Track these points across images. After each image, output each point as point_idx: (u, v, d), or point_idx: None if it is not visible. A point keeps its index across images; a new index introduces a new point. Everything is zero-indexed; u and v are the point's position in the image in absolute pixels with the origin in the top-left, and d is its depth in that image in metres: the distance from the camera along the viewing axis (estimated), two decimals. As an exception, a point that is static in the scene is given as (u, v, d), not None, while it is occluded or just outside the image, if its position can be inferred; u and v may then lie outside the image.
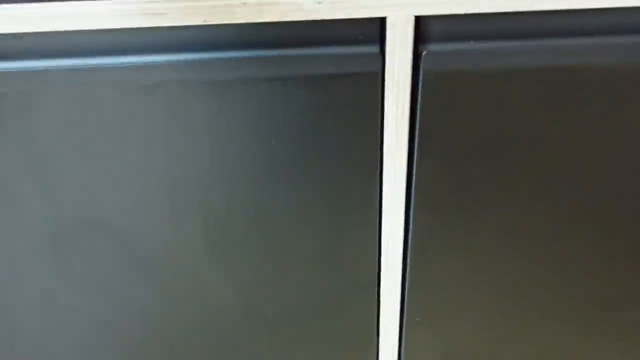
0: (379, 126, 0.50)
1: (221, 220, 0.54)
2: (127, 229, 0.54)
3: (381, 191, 0.53)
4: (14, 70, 0.46)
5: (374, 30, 0.47)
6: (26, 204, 0.52)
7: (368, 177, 0.52)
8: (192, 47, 0.46)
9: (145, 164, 0.51)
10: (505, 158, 0.52)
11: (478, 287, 0.60)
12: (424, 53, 0.46)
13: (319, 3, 0.43)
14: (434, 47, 0.46)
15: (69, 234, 0.54)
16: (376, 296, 0.60)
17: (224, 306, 0.60)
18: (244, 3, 0.43)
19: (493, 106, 0.49)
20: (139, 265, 0.56)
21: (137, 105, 0.48)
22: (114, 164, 0.50)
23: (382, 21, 0.46)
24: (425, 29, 0.46)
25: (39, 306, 0.59)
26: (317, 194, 0.53)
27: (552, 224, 0.56)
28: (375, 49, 0.47)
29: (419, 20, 0.45)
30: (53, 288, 0.57)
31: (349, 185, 0.53)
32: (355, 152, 0.51)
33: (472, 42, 0.47)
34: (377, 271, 0.58)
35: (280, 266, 0.57)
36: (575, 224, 0.56)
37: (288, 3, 0.43)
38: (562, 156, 0.52)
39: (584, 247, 0.58)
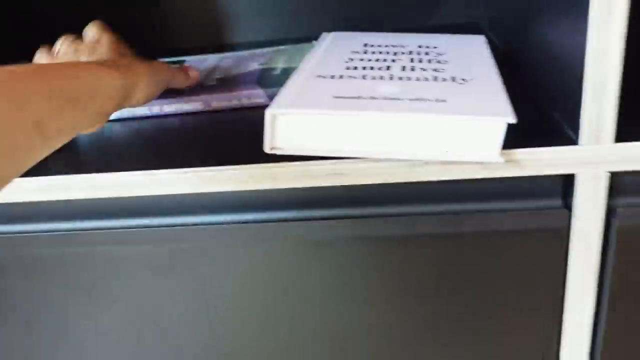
0: (562, 282, 0.46)
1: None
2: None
3: (559, 349, 0.49)
4: (187, 224, 0.46)
5: (558, 184, 0.44)
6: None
7: (545, 337, 0.48)
8: (368, 203, 0.45)
9: (319, 320, 0.49)
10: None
11: None
12: (618, 209, 0.43)
13: (507, 161, 0.41)
14: (628, 201, 0.43)
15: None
16: None
17: None
18: (426, 163, 0.42)
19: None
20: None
21: (315, 259, 0.47)
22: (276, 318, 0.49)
23: (568, 177, 0.43)
24: (618, 184, 0.43)
25: None
26: (489, 348, 0.49)
27: None
28: (558, 202, 0.44)
29: (612, 176, 0.42)
30: None
31: (524, 343, 0.48)
32: (532, 308, 0.47)
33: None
34: None
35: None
36: None
37: (471, 161, 0.41)
38: None
39: None
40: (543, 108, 0.48)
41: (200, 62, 0.66)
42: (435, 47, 0.56)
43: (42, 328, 0.53)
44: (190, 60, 0.68)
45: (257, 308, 0.50)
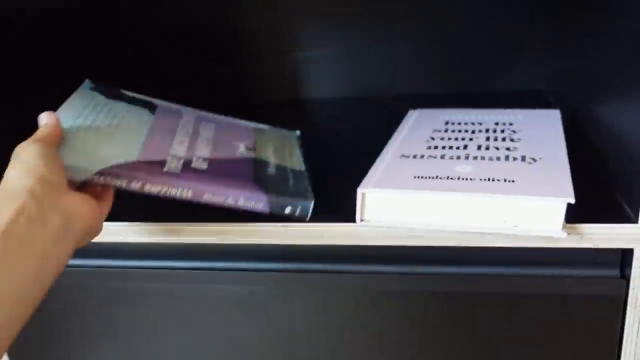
0: (617, 347, 0.50)
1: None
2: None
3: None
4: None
5: (617, 256, 0.48)
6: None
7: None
8: (438, 262, 0.52)
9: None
10: None
11: None
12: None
13: (569, 235, 0.47)
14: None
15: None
16: None
17: None
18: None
19: None
20: None
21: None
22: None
23: (627, 250, 0.48)
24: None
25: None
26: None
27: None
28: (616, 272, 0.49)
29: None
30: None
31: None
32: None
33: None
34: None
35: None
36: None
37: (536, 236, 0.47)
38: None
39: None
40: (606, 184, 0.52)
41: (173, 114, 0.61)
42: (511, 124, 0.63)
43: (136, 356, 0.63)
44: (161, 105, 0.61)
45: (334, 347, 0.57)
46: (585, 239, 0.47)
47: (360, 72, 0.85)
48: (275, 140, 0.64)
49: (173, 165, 0.51)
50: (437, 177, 0.50)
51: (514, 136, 0.59)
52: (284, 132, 0.68)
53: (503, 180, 0.49)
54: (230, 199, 0.51)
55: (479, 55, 0.81)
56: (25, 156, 0.45)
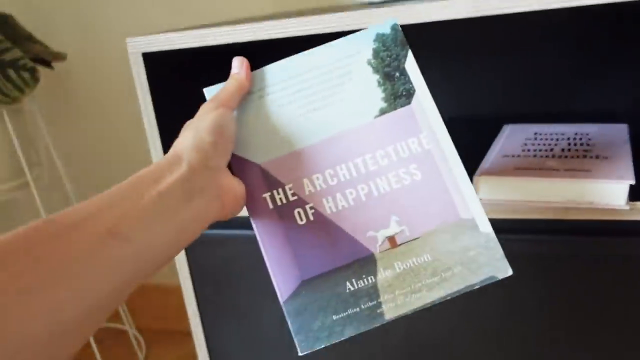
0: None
1: None
2: None
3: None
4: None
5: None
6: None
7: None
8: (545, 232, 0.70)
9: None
10: None
11: None
12: None
13: (631, 209, 0.65)
14: None
15: None
16: None
17: None
18: (579, 208, 0.66)
19: None
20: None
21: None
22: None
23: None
24: None
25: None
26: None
27: None
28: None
29: None
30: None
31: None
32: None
33: None
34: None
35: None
36: None
37: (607, 208, 0.65)
38: None
39: None
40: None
41: None
42: (587, 134, 0.81)
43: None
44: None
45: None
46: (643, 212, 0.65)
47: (457, 95, 1.05)
48: None
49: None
50: (532, 168, 0.70)
51: (590, 142, 0.78)
52: None
53: (582, 170, 0.67)
54: None
55: (561, 80, 1.00)
56: (202, 124, 0.48)
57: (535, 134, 0.84)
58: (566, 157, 0.72)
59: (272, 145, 0.53)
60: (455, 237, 0.50)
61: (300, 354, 0.48)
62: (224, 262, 0.83)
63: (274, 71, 0.54)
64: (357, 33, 0.54)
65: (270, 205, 0.52)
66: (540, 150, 0.76)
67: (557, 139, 0.80)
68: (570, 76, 0.98)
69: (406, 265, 0.50)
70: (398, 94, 0.53)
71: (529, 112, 1.01)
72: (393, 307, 0.49)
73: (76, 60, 1.39)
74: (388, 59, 0.54)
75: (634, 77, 0.90)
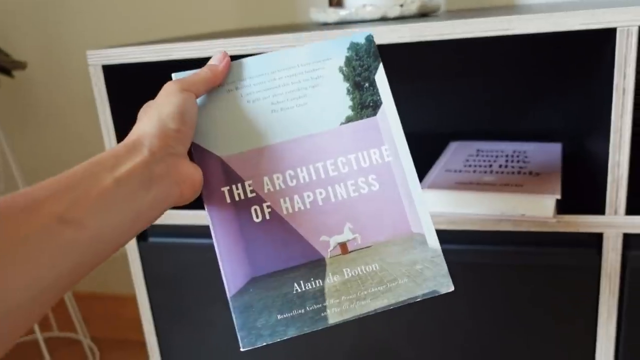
0: (595, 305, 0.73)
1: None
2: None
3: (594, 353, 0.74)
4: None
5: (593, 238, 0.72)
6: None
7: (582, 345, 0.74)
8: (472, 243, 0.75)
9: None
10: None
11: None
12: (630, 255, 0.70)
13: (558, 222, 0.70)
14: (637, 252, 0.70)
15: None
16: None
17: None
18: (509, 220, 0.71)
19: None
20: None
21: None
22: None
23: (599, 235, 0.71)
24: (631, 242, 0.70)
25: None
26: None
27: None
28: (593, 251, 0.72)
29: (626, 236, 0.70)
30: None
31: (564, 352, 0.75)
32: (571, 324, 0.74)
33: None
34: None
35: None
36: None
37: (535, 220, 0.70)
38: None
39: None
40: (587, 189, 0.76)
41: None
42: (524, 152, 0.87)
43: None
44: None
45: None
46: (570, 225, 0.70)
47: (409, 113, 1.11)
48: None
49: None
50: (471, 183, 0.75)
51: (525, 159, 0.83)
52: None
53: (515, 185, 0.73)
54: None
55: (506, 102, 1.06)
56: (166, 109, 0.47)
57: (478, 150, 0.89)
58: (502, 172, 0.78)
59: (235, 140, 0.53)
60: (404, 250, 0.52)
61: (242, 349, 0.49)
62: (179, 271, 0.86)
63: (246, 66, 0.54)
64: (332, 39, 0.55)
65: (228, 200, 0.52)
66: (480, 166, 0.81)
67: (497, 156, 0.86)
68: (514, 98, 1.05)
69: (354, 272, 0.51)
70: (365, 104, 0.54)
71: (474, 130, 1.07)
72: (337, 312, 0.50)
73: (37, 70, 1.40)
74: (359, 68, 0.54)
75: (569, 101, 0.97)
